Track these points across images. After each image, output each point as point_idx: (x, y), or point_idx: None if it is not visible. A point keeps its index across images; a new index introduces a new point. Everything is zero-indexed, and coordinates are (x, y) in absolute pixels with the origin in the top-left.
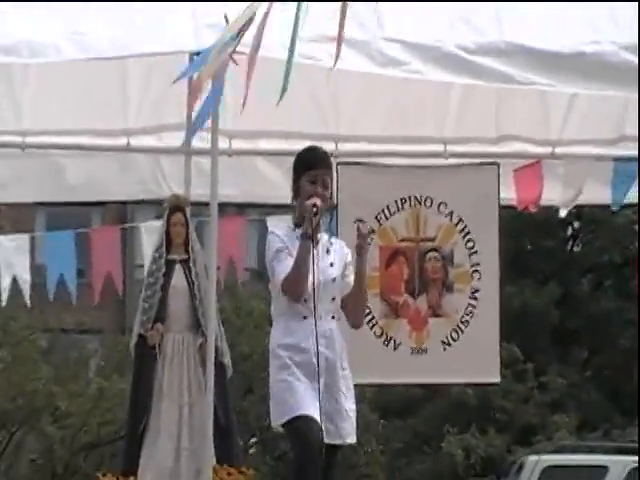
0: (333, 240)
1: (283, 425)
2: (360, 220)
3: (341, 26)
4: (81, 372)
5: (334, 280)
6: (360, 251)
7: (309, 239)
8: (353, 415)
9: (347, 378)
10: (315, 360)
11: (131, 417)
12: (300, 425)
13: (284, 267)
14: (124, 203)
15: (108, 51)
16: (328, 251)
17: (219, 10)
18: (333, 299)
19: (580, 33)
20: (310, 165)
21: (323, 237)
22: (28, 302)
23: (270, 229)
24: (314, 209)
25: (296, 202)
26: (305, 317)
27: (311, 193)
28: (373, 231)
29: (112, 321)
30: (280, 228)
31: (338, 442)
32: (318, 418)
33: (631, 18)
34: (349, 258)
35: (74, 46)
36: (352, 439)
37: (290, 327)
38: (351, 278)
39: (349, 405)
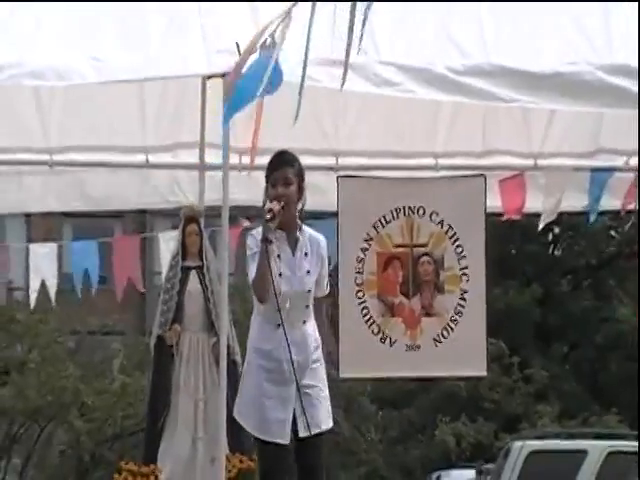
0: (312, 237)
1: (253, 436)
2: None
3: (347, 53)
4: (105, 370)
5: (309, 291)
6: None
7: (266, 243)
8: (325, 401)
9: (317, 370)
10: (286, 367)
11: (151, 411)
12: (271, 451)
13: (254, 268)
14: (143, 212)
15: (126, 75)
16: (306, 254)
17: (227, 34)
18: (307, 307)
19: (558, 55)
20: (270, 169)
21: (303, 236)
22: (53, 301)
23: (249, 232)
24: (268, 214)
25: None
26: (278, 325)
27: (271, 197)
28: (371, 238)
29: (133, 323)
30: (257, 232)
31: (316, 431)
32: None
33: (605, 40)
34: (325, 254)
35: (95, 70)
36: (327, 424)
37: (265, 333)
38: (323, 284)
39: (320, 394)
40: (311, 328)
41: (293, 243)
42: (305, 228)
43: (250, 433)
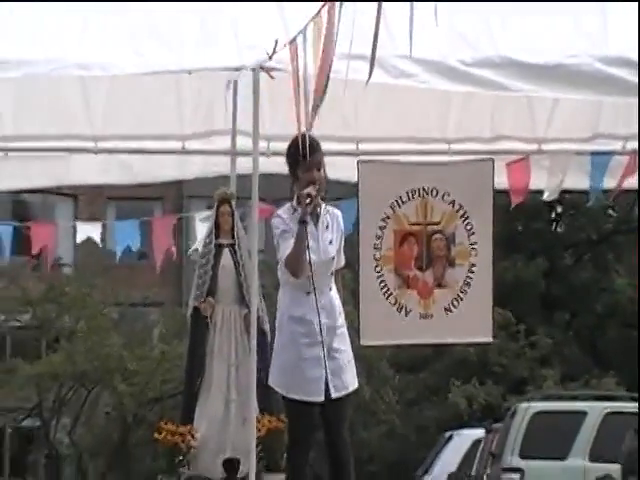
0: (331, 211)
1: (283, 397)
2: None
3: (374, 49)
4: (146, 339)
5: (333, 258)
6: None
7: (304, 224)
8: (351, 365)
9: (343, 335)
10: (318, 329)
11: (188, 375)
12: (304, 411)
13: (288, 245)
14: (181, 196)
15: (166, 67)
16: (327, 227)
17: (257, 31)
18: (331, 274)
19: (560, 48)
20: (303, 154)
21: (323, 211)
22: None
23: (275, 212)
24: (307, 199)
25: (295, 188)
26: (308, 293)
27: (309, 181)
28: (389, 217)
29: (171, 296)
30: (283, 211)
31: (344, 393)
32: (318, 392)
33: (602, 35)
34: (342, 226)
35: (137, 64)
36: (354, 385)
37: (296, 300)
38: (342, 255)
39: (347, 358)
40: (335, 294)
41: (315, 217)
42: (323, 203)
43: (279, 395)
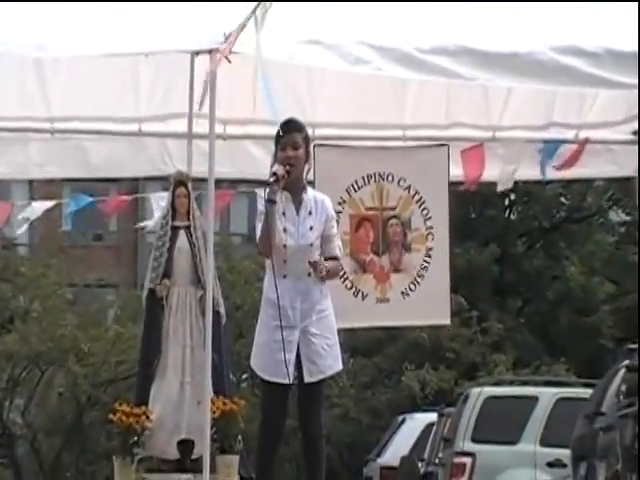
0: (318, 198)
1: (260, 378)
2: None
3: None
4: (101, 320)
5: (311, 245)
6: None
7: (271, 203)
8: (332, 349)
9: (323, 319)
10: (291, 313)
11: (143, 357)
12: (270, 391)
13: (259, 227)
14: (136, 179)
15: (123, 49)
16: (310, 212)
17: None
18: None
19: (516, 36)
20: (279, 134)
21: (308, 197)
22: None
23: (259, 193)
24: (272, 177)
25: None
26: (285, 276)
27: (279, 160)
28: (344, 201)
29: (126, 277)
30: (264, 192)
31: (320, 377)
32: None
33: (559, 21)
34: (331, 212)
35: (95, 45)
36: (336, 368)
37: (272, 284)
38: (335, 244)
39: (327, 342)
40: (315, 280)
41: (298, 203)
42: (310, 189)
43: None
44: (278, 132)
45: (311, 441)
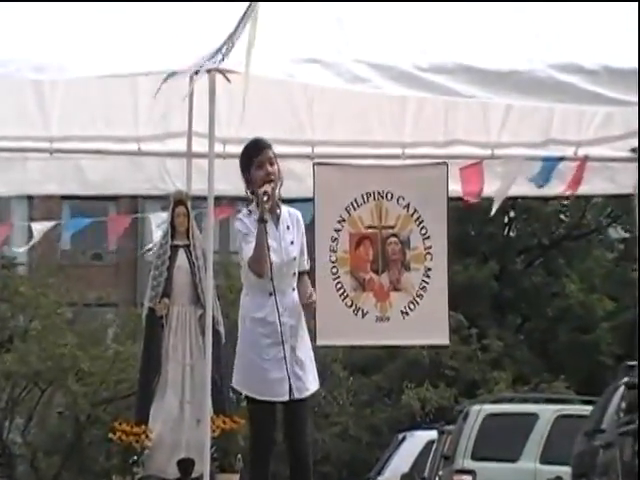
0: (291, 212)
1: (247, 397)
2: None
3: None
4: (100, 339)
5: (294, 259)
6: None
7: (263, 222)
8: (312, 365)
9: (304, 335)
10: (279, 330)
11: (143, 376)
12: (261, 410)
13: (250, 248)
14: (135, 197)
15: (119, 70)
16: (289, 227)
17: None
18: (294, 274)
19: (515, 54)
20: (250, 155)
21: (283, 213)
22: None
23: (237, 216)
24: (265, 196)
25: (248, 191)
26: (270, 294)
27: (264, 179)
28: (344, 220)
29: (126, 296)
30: (243, 215)
31: (306, 394)
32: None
33: (557, 41)
34: (302, 226)
35: (93, 66)
36: (315, 386)
37: (258, 302)
38: (305, 257)
39: (309, 358)
40: (297, 295)
41: (276, 219)
42: (281, 204)
43: (233, 397)
44: (247, 153)
45: (298, 458)
